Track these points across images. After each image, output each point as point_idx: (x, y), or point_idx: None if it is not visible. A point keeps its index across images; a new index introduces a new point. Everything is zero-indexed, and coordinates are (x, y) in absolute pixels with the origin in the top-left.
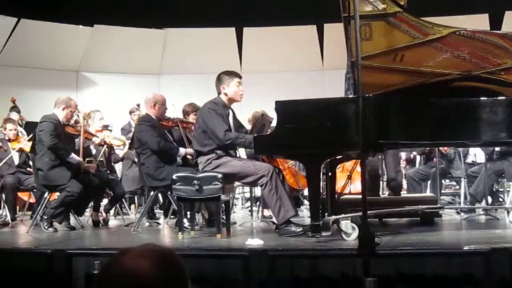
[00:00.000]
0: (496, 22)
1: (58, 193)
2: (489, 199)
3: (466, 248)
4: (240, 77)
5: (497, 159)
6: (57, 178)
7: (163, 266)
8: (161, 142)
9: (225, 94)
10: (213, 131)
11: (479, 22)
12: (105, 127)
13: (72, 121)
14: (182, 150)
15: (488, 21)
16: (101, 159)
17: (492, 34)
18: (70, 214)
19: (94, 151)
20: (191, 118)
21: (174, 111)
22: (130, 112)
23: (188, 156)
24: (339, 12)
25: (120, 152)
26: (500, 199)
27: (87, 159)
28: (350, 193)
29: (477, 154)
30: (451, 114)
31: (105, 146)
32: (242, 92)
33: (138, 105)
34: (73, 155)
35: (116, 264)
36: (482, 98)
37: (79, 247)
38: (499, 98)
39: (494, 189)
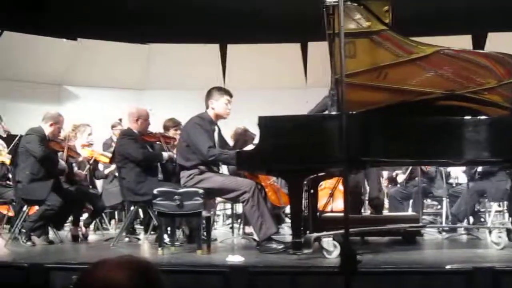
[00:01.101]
0: (479, 43)
1: (37, 207)
2: (471, 219)
3: (448, 267)
4: (231, 96)
5: (479, 179)
6: (37, 192)
7: (139, 278)
8: (146, 152)
9: (213, 109)
10: (197, 146)
11: (462, 43)
12: (90, 144)
13: (60, 136)
14: (165, 154)
15: (471, 42)
16: (85, 172)
17: (475, 54)
18: (49, 228)
19: (75, 169)
20: (171, 133)
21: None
22: (112, 127)
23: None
24: (323, 30)
25: (106, 169)
26: (482, 219)
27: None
28: (332, 211)
29: (459, 176)
30: (434, 133)
31: (92, 160)
32: (229, 110)
33: (120, 120)
34: (61, 162)
35: (92, 275)
36: (465, 117)
37: (57, 261)
38: (482, 117)
39: (475, 209)
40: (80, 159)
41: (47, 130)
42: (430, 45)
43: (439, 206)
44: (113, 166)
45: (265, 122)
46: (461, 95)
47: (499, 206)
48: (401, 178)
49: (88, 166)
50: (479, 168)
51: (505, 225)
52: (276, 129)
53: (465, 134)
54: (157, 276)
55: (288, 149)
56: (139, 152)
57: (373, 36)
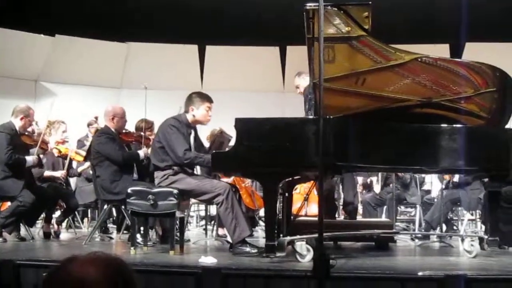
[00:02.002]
0: (456, 53)
1: (9, 203)
2: (444, 227)
3: (420, 274)
4: (211, 102)
5: (453, 188)
6: (10, 189)
7: (111, 274)
8: (124, 154)
9: (193, 115)
10: (173, 148)
11: (440, 51)
12: (65, 140)
13: (30, 130)
14: (141, 153)
15: (448, 51)
16: (64, 172)
17: (453, 62)
18: (21, 224)
19: (44, 160)
20: (147, 134)
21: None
22: (88, 125)
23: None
24: (303, 34)
25: (79, 167)
26: (455, 227)
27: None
28: (306, 215)
29: (433, 183)
30: (410, 140)
31: (68, 159)
32: (210, 117)
33: (97, 118)
34: (28, 159)
35: (63, 271)
36: (441, 125)
37: (28, 258)
38: (458, 126)
39: (449, 217)
40: (56, 154)
41: (18, 124)
42: (409, 52)
43: (412, 213)
44: (87, 164)
45: (241, 124)
46: (438, 103)
47: (472, 214)
48: (377, 188)
49: (66, 163)
50: (455, 178)
51: (478, 233)
52: (253, 132)
53: (441, 142)
54: (129, 273)
55: (264, 151)
56: (119, 154)
57: (352, 42)
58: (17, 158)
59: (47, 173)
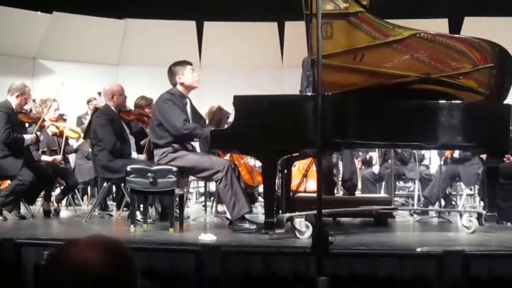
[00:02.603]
0: (455, 27)
1: (9, 181)
2: (442, 202)
3: (419, 250)
4: (191, 64)
5: (452, 163)
6: (9, 168)
7: (111, 258)
8: (117, 144)
9: (182, 83)
10: (171, 121)
11: (439, 26)
12: (61, 117)
13: (27, 108)
14: (134, 155)
15: (447, 26)
16: (54, 148)
17: (452, 38)
18: (21, 203)
19: (41, 137)
20: (146, 111)
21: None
22: (88, 101)
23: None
24: (301, 10)
25: (74, 143)
26: (453, 203)
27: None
28: (305, 191)
29: (432, 158)
30: (409, 116)
31: (64, 137)
32: (198, 78)
33: (99, 94)
34: (26, 137)
35: (63, 255)
36: (440, 101)
37: (29, 236)
38: (456, 102)
39: (447, 193)
40: (53, 130)
41: (14, 102)
42: (407, 28)
43: (411, 189)
44: (81, 140)
45: (239, 101)
46: (436, 79)
47: (470, 190)
48: (376, 168)
49: (62, 142)
50: (455, 154)
51: (476, 209)
52: (251, 109)
53: (439, 118)
54: (128, 256)
55: (263, 129)
56: (111, 142)
57: (350, 18)
58: (15, 137)
59: (44, 158)
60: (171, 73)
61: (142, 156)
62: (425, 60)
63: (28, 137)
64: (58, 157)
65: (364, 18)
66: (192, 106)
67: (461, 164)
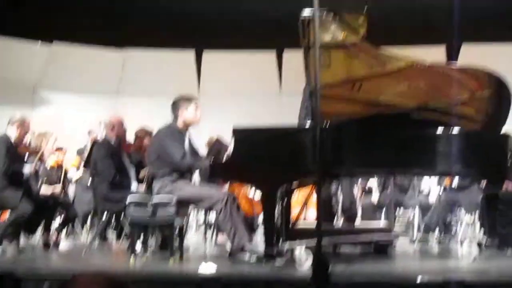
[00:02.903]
0: (452, 54)
1: (8, 213)
2: (443, 230)
3: (419, 279)
4: (196, 101)
5: (451, 190)
6: (8, 199)
7: None
8: (116, 176)
9: (183, 118)
10: (170, 155)
11: (436, 53)
12: (59, 149)
13: (26, 141)
14: (134, 187)
15: (445, 53)
16: (54, 179)
17: (449, 68)
18: (21, 234)
19: (41, 169)
20: (146, 142)
21: None
22: (88, 132)
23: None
24: (299, 39)
25: (73, 175)
26: (453, 230)
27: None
28: (305, 220)
29: (431, 186)
30: (407, 145)
31: (63, 169)
32: (199, 115)
33: (100, 123)
34: (25, 169)
35: None
36: (437, 130)
37: (29, 268)
38: (454, 130)
39: (447, 220)
40: (52, 163)
41: (13, 134)
42: (404, 57)
43: (411, 217)
44: (81, 173)
45: (238, 133)
46: (434, 108)
47: (471, 216)
48: (376, 197)
49: (61, 175)
50: (455, 181)
51: (476, 236)
52: (250, 140)
53: (437, 147)
54: None
55: (262, 159)
56: (110, 174)
57: (348, 48)
58: (14, 169)
59: (44, 189)
60: (175, 106)
61: (142, 188)
62: (422, 89)
63: (27, 169)
64: (58, 189)
65: (361, 48)
66: (190, 142)
67: (461, 191)
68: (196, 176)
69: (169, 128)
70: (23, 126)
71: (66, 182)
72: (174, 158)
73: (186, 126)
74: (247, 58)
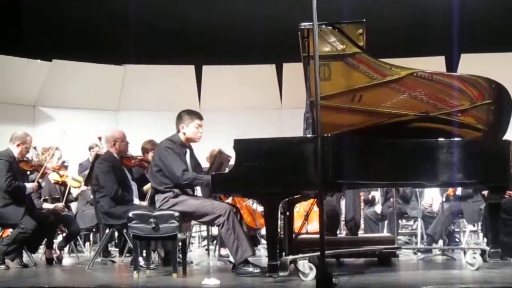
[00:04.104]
0: (452, 64)
1: (11, 230)
2: (446, 240)
3: None
4: (201, 119)
5: (454, 200)
6: (11, 216)
7: None
8: (118, 191)
9: (184, 133)
10: (170, 170)
11: (435, 64)
12: (62, 164)
13: (28, 156)
14: (136, 201)
15: (444, 63)
16: (56, 196)
17: (449, 76)
18: (23, 251)
19: (43, 185)
20: (151, 155)
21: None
22: (90, 148)
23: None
24: (299, 52)
25: (75, 191)
26: (457, 240)
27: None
28: (307, 233)
29: (434, 196)
30: (408, 155)
31: (67, 187)
32: (201, 134)
33: (100, 138)
34: (27, 186)
35: None
36: (439, 139)
37: (32, 285)
38: (455, 139)
39: (450, 230)
40: (52, 181)
41: (15, 151)
42: (404, 67)
43: (414, 227)
44: (83, 188)
45: (240, 145)
46: (435, 117)
47: (474, 226)
48: (378, 208)
49: (65, 191)
50: (458, 191)
51: (479, 245)
52: (252, 152)
53: (439, 156)
54: None
55: (264, 172)
56: (112, 190)
57: (347, 59)
58: (16, 185)
59: (46, 205)
60: (179, 119)
61: (144, 202)
62: (423, 98)
63: (29, 185)
64: (60, 205)
65: (361, 59)
66: (192, 155)
67: (464, 201)
68: (199, 190)
69: (171, 141)
70: (25, 142)
71: (68, 197)
72: (175, 174)
73: (187, 141)
74: (247, 72)
